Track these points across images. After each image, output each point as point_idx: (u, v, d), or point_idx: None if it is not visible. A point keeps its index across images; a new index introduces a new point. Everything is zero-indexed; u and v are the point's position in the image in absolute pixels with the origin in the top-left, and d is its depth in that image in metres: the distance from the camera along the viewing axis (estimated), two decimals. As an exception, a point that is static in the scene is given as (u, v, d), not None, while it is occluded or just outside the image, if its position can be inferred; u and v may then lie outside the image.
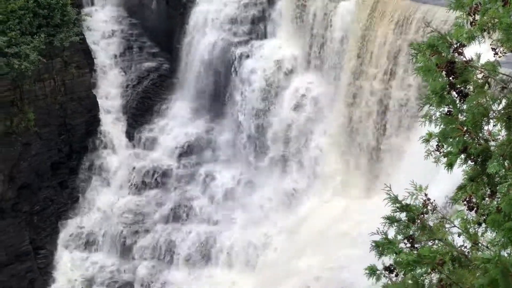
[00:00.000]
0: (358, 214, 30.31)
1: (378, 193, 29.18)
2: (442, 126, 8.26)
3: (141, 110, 40.16)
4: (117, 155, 38.89)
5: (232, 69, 37.50)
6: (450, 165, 8.40)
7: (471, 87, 7.90)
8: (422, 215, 8.92)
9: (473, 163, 8.34)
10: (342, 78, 33.37)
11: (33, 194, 37.19)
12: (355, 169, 33.01)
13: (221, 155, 37.30)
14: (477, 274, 7.68)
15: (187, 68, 39.85)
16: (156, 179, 37.53)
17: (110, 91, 40.70)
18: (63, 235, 37.60)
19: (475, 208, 8.50)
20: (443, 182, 21.21)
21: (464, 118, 8.00)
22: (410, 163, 26.62)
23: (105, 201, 37.81)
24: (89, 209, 38.07)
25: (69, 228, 37.73)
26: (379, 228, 9.18)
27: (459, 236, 9.06)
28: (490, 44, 7.92)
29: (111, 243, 36.90)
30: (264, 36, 37.71)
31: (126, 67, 41.45)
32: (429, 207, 9.22)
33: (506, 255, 7.55)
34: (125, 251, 36.57)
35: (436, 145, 8.77)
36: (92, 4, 44.12)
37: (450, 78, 7.84)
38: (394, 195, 8.79)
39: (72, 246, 37.46)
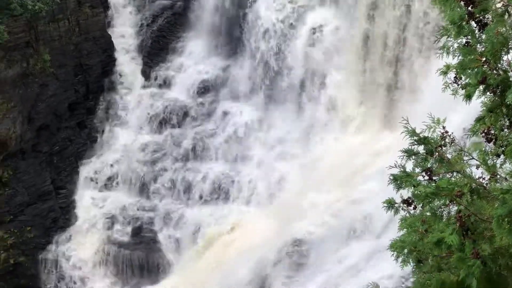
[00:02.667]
0: (375, 149, 30.34)
1: (395, 128, 29.15)
2: (460, 57, 8.15)
3: (156, 49, 39.97)
4: (133, 94, 38.93)
5: (248, 4, 37.08)
6: (468, 97, 8.32)
7: (490, 16, 7.75)
8: (440, 148, 8.88)
9: (492, 94, 8.25)
10: (357, 13, 32.94)
11: (52, 135, 37.48)
12: (372, 105, 32.88)
13: (238, 92, 37.20)
14: (496, 205, 7.67)
15: (201, 5, 39.44)
16: (173, 118, 37.59)
17: (125, 31, 40.48)
18: (83, 175, 38.01)
19: (493, 140, 8.44)
20: (461, 115, 21.10)
21: (483, 49, 7.88)
22: (427, 96, 26.49)
23: (123, 141, 38.04)
24: (108, 148, 38.35)
25: (89, 168, 38.10)
26: (396, 162, 9.16)
27: (477, 168, 9.03)
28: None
29: (130, 182, 37.28)
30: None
31: (140, 5, 41.09)
32: (447, 140, 9.17)
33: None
34: (144, 189, 36.97)
35: (454, 77, 8.67)
36: None
37: (469, 7, 7.69)
38: (411, 128, 8.75)
39: (92, 185, 37.91)
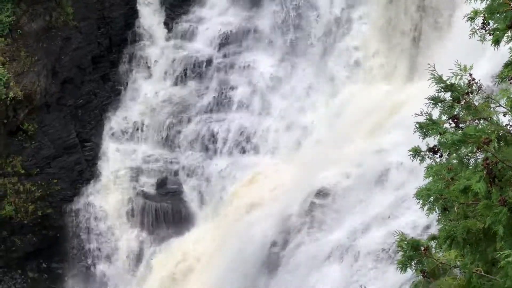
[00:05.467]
0: (400, 99, 30.14)
1: (421, 77, 28.91)
2: (488, 2, 8.00)
3: (179, 0, 39.66)
4: (156, 46, 38.81)
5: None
6: (496, 42, 8.19)
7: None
8: (467, 95, 8.79)
9: (521, 38, 8.11)
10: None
11: (76, 88, 37.64)
12: (397, 55, 32.54)
13: (261, 43, 36.93)
14: (524, 151, 7.60)
15: (223, -45, 38.96)
16: (196, 70, 37.51)
17: (146, -18, 40.19)
18: (108, 128, 38.25)
19: (522, 86, 8.32)
20: (488, 62, 20.85)
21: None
22: (454, 45, 26.16)
23: (146, 93, 38.10)
24: (132, 101, 38.45)
25: (113, 121, 38.30)
26: (422, 110, 9.09)
27: (504, 115, 8.94)
28: None
29: (155, 134, 37.46)
30: None
31: (160, -44, 40.69)
32: (473, 87, 9.07)
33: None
34: (168, 141, 37.13)
35: (482, 23, 8.53)
36: None
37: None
38: (438, 74, 8.64)
39: (117, 138, 38.15)
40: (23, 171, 36.10)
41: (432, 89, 9.02)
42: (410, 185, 24.11)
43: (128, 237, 36.96)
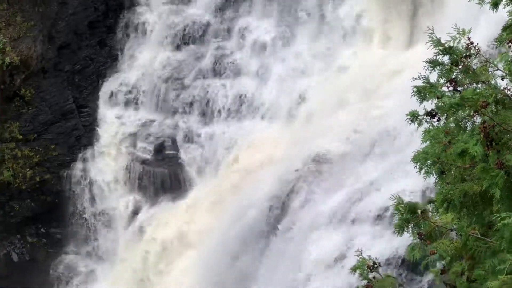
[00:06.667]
0: (398, 64, 30.05)
1: (419, 43, 28.81)
2: (487, -36, 7.95)
3: (175, -36, 39.30)
4: (153, 11, 38.51)
5: None
6: (495, 5, 8.15)
7: None
8: (466, 58, 8.78)
9: (520, 1, 8.07)
10: None
11: (73, 54, 37.49)
12: (396, 19, 32.33)
13: (257, 8, 36.63)
14: (521, 115, 7.62)
15: None
16: (193, 34, 37.29)
17: None
18: (105, 93, 38.12)
19: (520, 49, 8.31)
20: (486, 27, 20.74)
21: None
22: (453, 9, 26.02)
23: (144, 58, 37.90)
24: (129, 66, 38.29)
25: (110, 86, 38.17)
26: (420, 74, 9.08)
27: (502, 79, 8.94)
28: None
29: (152, 99, 37.36)
30: None
31: None
32: (472, 51, 9.05)
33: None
34: (166, 106, 37.04)
35: (481, -15, 8.49)
36: None
37: None
38: (436, 38, 8.62)
39: (114, 104, 38.05)
40: (20, 137, 36.16)
41: (430, 55, 9.00)
42: (407, 150, 24.17)
43: (125, 202, 37.08)
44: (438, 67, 8.73)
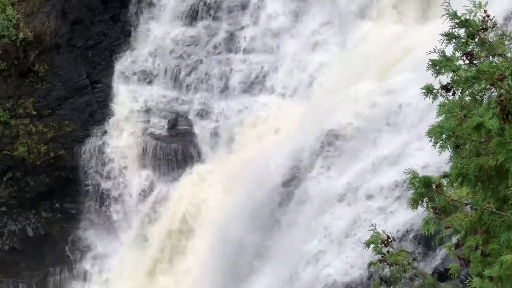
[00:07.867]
0: (413, 39, 29.78)
1: (434, 18, 28.52)
2: None
3: None
4: (166, -14, 38.34)
5: None
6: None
7: None
8: (482, 31, 8.68)
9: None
10: None
11: (86, 29, 37.45)
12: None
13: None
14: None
15: None
16: (206, 10, 37.11)
17: None
18: (118, 69, 38.13)
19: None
20: (502, 0, 20.51)
21: None
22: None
23: (157, 34, 37.79)
24: (142, 42, 38.22)
25: (124, 62, 38.16)
26: (436, 47, 8.99)
27: (518, 52, 8.84)
28: None
29: (165, 75, 37.34)
30: None
31: None
32: (488, 24, 8.95)
33: None
34: (179, 82, 37.02)
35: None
36: None
37: None
38: (452, 10, 8.53)
39: (127, 79, 38.07)
40: (34, 113, 36.27)
41: (445, 29, 8.90)
42: (422, 125, 24.06)
43: (139, 178, 37.24)
44: (454, 40, 8.64)
